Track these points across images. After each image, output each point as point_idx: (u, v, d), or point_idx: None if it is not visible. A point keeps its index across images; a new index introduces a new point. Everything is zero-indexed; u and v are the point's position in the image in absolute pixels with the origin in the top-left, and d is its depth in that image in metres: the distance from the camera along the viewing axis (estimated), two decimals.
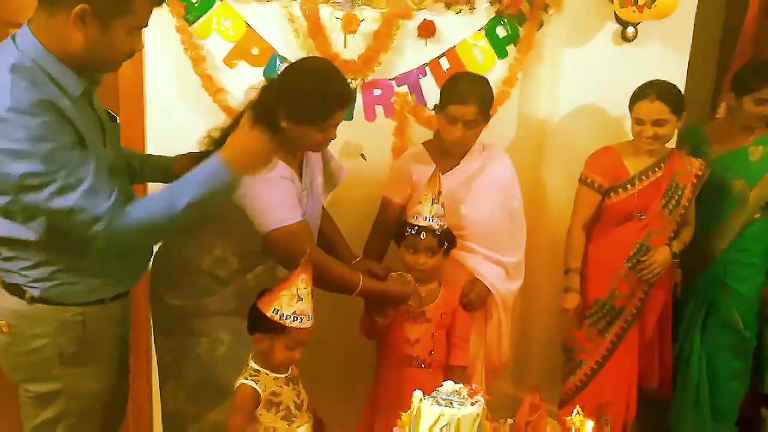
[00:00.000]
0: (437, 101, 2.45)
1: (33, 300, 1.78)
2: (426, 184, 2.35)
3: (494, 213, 2.50)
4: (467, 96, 2.37)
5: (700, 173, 2.70)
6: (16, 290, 1.79)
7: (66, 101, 1.64)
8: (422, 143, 2.60)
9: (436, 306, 2.40)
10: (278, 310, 1.80)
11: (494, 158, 2.55)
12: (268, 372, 1.87)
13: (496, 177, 2.53)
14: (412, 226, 2.32)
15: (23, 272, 1.77)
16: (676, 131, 2.67)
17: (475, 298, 2.48)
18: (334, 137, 2.15)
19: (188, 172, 1.75)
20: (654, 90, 2.56)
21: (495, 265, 2.51)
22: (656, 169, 2.67)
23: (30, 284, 1.78)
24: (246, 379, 1.86)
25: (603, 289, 2.70)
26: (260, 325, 1.83)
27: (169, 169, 2.20)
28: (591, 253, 2.73)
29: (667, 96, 2.55)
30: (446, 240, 2.36)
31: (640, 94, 2.59)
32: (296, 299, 1.80)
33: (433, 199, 2.30)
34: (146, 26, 1.74)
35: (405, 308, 2.35)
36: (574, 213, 2.75)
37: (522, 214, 2.60)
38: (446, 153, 2.51)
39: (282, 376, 1.90)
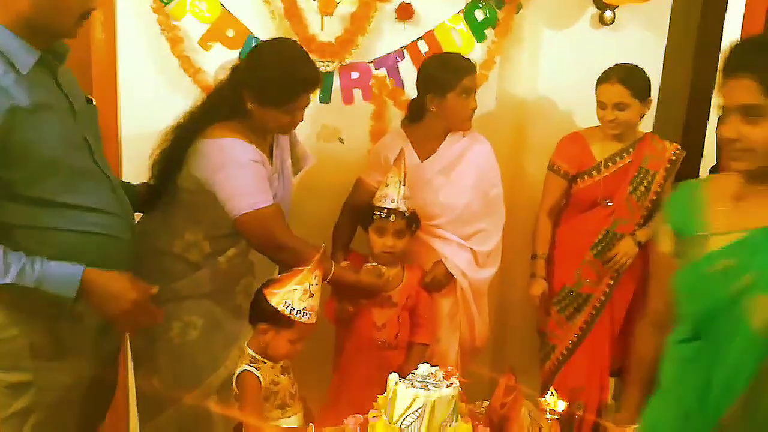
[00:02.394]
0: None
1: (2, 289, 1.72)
2: (392, 166, 2.35)
3: (472, 201, 2.51)
4: (471, 66, 2.46)
5: (673, 158, 2.67)
6: None
7: (11, 76, 1.59)
8: (402, 126, 2.59)
9: (402, 289, 2.42)
10: (289, 304, 1.80)
11: (475, 145, 2.55)
12: (266, 360, 1.87)
13: (476, 164, 2.53)
14: (381, 209, 2.31)
15: None
16: (644, 115, 2.64)
17: (432, 281, 2.50)
18: (301, 120, 2.14)
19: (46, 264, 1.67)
20: (615, 73, 2.54)
21: (467, 252, 2.52)
22: (624, 155, 2.65)
23: None
24: (248, 365, 1.85)
25: (570, 275, 2.71)
26: (267, 315, 1.83)
27: (137, 196, 2.14)
28: (558, 239, 2.74)
29: (628, 79, 2.52)
30: (414, 221, 2.37)
31: (602, 78, 2.58)
32: (308, 295, 1.82)
33: (400, 182, 2.30)
34: None
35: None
36: (541, 199, 2.76)
37: (501, 202, 2.61)
38: (426, 137, 2.51)
39: (278, 365, 1.91)
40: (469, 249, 2.53)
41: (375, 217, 2.33)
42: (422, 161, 2.51)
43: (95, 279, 1.71)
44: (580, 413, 2.70)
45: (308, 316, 1.83)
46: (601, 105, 2.58)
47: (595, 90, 2.60)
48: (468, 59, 2.53)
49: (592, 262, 2.68)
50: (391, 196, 2.31)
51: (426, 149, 2.51)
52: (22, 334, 1.76)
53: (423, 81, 2.48)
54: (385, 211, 2.31)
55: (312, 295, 1.83)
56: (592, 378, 2.78)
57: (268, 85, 2.02)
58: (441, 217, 2.48)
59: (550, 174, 2.72)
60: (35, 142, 1.64)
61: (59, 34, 1.71)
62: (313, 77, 2.10)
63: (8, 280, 1.62)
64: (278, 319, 1.82)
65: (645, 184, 2.66)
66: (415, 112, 2.53)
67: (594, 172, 2.65)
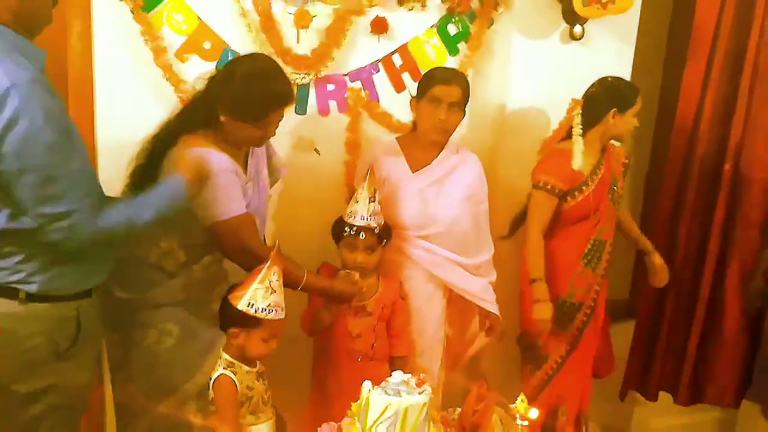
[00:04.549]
0: (414, 93, 2.50)
1: (28, 298, 1.78)
2: (363, 181, 2.36)
3: (460, 215, 2.52)
4: (452, 78, 2.44)
5: (626, 161, 2.83)
6: (5, 292, 1.78)
7: (35, 69, 1.69)
8: (396, 138, 2.60)
9: (377, 299, 2.43)
10: (253, 303, 1.83)
11: (467, 161, 2.58)
12: (242, 365, 1.90)
13: (466, 180, 2.55)
14: (351, 226, 2.32)
15: (18, 266, 1.77)
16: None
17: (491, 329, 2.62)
18: (273, 134, 2.16)
19: (149, 192, 1.89)
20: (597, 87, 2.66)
21: (455, 265, 2.54)
22: (600, 166, 2.72)
23: (25, 280, 1.78)
24: (224, 369, 1.87)
25: (563, 286, 2.75)
26: (235, 319, 1.85)
27: None
28: (549, 252, 2.72)
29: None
30: (385, 236, 2.38)
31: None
32: (270, 291, 1.85)
33: (369, 198, 2.31)
34: None
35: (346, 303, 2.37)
36: (531, 219, 2.69)
37: (487, 219, 2.63)
38: (419, 149, 2.53)
39: (254, 370, 1.93)
40: (456, 263, 2.54)
41: (344, 234, 2.34)
42: (414, 173, 2.53)
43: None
44: (564, 419, 2.78)
45: (274, 312, 1.86)
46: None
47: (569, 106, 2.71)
48: (453, 71, 2.54)
49: (583, 271, 2.73)
50: (361, 213, 2.31)
51: (418, 162, 2.53)
52: (47, 341, 1.82)
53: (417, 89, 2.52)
54: (355, 228, 2.32)
55: (274, 292, 1.86)
56: (577, 386, 2.84)
57: (240, 101, 2.05)
58: (429, 227, 2.49)
59: (539, 192, 2.66)
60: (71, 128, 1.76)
61: (42, 19, 1.79)
62: (285, 94, 2.12)
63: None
64: (246, 321, 1.85)
65: (616, 190, 2.75)
66: (413, 122, 2.58)
67: (584, 187, 2.68)
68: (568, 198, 2.68)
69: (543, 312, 2.65)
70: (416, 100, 2.49)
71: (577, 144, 2.64)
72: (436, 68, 2.58)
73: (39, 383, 1.83)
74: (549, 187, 2.65)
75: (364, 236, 2.31)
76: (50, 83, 1.72)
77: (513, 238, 2.87)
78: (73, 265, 1.83)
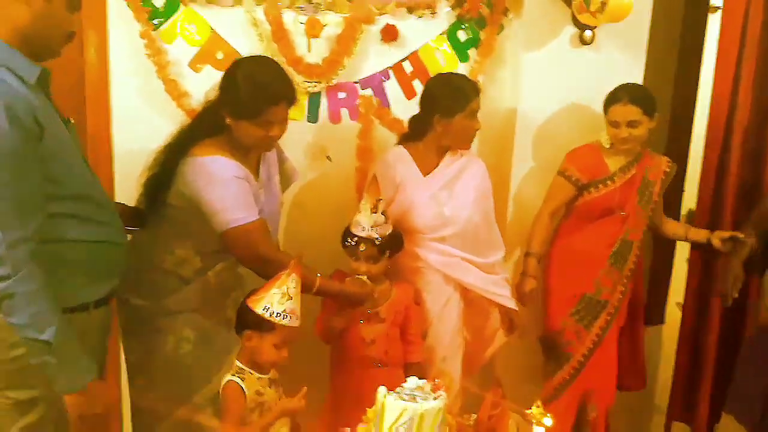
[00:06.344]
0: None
1: None
2: (365, 192, 2.38)
3: (472, 215, 2.55)
4: (478, 89, 2.52)
5: (667, 170, 2.80)
6: None
7: (23, 86, 1.66)
8: (402, 145, 2.61)
9: (389, 305, 2.43)
10: (269, 307, 1.85)
11: (473, 164, 2.60)
12: (252, 371, 1.91)
13: (475, 181, 2.58)
14: (353, 236, 2.34)
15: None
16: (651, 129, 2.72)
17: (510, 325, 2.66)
18: (278, 135, 2.14)
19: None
20: (625, 94, 2.65)
21: (470, 265, 2.56)
22: (631, 167, 2.75)
23: None
24: (233, 376, 1.89)
25: (588, 284, 2.77)
26: (250, 322, 1.87)
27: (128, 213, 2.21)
28: (574, 247, 2.79)
29: (638, 98, 2.64)
30: (388, 248, 2.36)
31: (613, 99, 2.67)
32: (287, 298, 1.87)
33: (371, 209, 2.31)
34: (80, 7, 1.81)
35: (359, 309, 2.38)
36: (545, 200, 2.80)
37: (494, 219, 2.66)
38: (426, 155, 2.55)
39: (265, 377, 1.94)
40: (472, 263, 2.56)
41: (346, 243, 2.36)
42: (425, 176, 2.55)
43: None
44: (594, 414, 2.79)
45: (289, 318, 1.87)
46: (614, 124, 2.67)
47: (605, 111, 2.70)
48: (474, 81, 2.61)
49: (610, 270, 2.75)
50: (362, 224, 2.31)
51: (427, 165, 2.55)
52: None
53: (429, 101, 2.51)
54: (356, 239, 2.32)
55: (291, 298, 1.88)
56: (603, 382, 2.86)
57: (238, 97, 2.06)
58: (444, 229, 2.51)
59: (559, 179, 2.77)
60: (58, 148, 1.73)
61: (49, 50, 1.79)
62: (281, 90, 2.10)
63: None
64: (261, 324, 1.87)
65: (647, 193, 2.76)
66: (417, 130, 2.57)
67: (609, 182, 2.74)
68: (592, 189, 2.74)
69: (526, 284, 2.76)
70: (448, 115, 2.46)
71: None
72: (457, 81, 2.53)
73: (30, 393, 1.82)
74: (568, 174, 2.75)
75: (364, 247, 2.32)
76: (31, 109, 1.65)
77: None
78: (71, 278, 1.81)
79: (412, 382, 1.75)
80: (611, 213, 2.75)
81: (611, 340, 2.85)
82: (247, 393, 1.88)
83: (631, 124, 2.64)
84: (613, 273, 2.76)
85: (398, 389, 1.72)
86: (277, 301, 1.86)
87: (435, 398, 1.70)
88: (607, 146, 2.73)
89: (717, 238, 2.80)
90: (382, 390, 1.72)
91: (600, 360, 2.83)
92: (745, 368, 2.71)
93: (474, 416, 2.01)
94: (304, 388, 1.97)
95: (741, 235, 2.73)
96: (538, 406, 1.93)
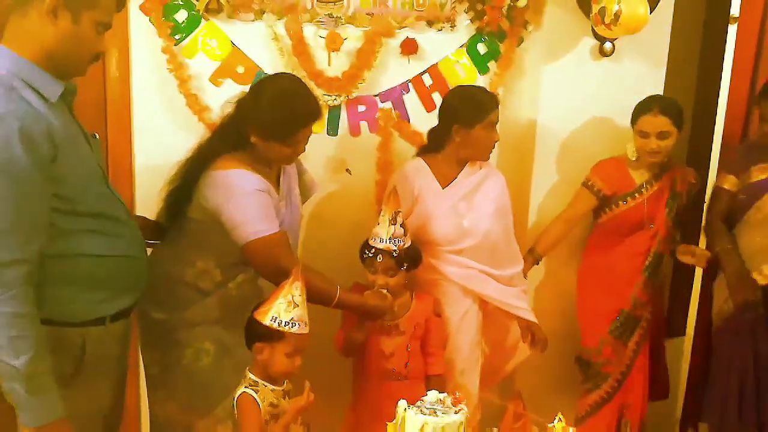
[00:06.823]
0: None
1: None
2: (383, 204, 2.38)
3: (491, 227, 2.54)
4: (497, 101, 2.56)
5: (693, 181, 2.79)
6: None
7: (43, 104, 1.67)
8: (420, 157, 2.60)
9: (409, 318, 2.42)
10: (276, 317, 1.86)
11: (492, 176, 2.61)
12: (266, 383, 1.91)
13: (494, 193, 2.58)
14: (370, 248, 2.33)
15: None
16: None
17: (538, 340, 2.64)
18: (303, 151, 2.19)
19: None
20: (656, 104, 2.64)
21: (489, 278, 2.55)
22: (658, 179, 2.75)
23: None
24: (246, 388, 1.89)
25: (625, 300, 2.76)
26: (259, 334, 1.88)
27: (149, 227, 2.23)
28: (607, 264, 2.78)
29: (668, 109, 2.64)
30: (406, 260, 2.35)
31: (643, 109, 2.66)
32: (293, 306, 1.87)
33: (389, 220, 2.30)
34: (110, 27, 1.78)
35: (379, 322, 2.37)
36: (566, 208, 2.82)
37: (513, 232, 2.65)
38: (445, 166, 2.56)
39: (279, 388, 1.94)
40: (490, 275, 2.55)
41: (364, 255, 2.36)
42: (443, 188, 2.55)
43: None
44: (628, 430, 2.78)
45: (297, 326, 1.87)
46: (643, 135, 2.66)
47: (634, 121, 2.69)
48: (492, 93, 2.63)
49: (646, 283, 2.75)
50: (381, 236, 2.31)
51: (446, 177, 2.55)
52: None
53: (448, 112, 2.52)
54: (373, 250, 2.32)
55: (297, 306, 1.88)
56: (638, 394, 2.85)
57: (269, 120, 2.08)
58: (463, 241, 2.51)
59: (583, 189, 2.79)
60: (74, 167, 1.73)
61: (75, 70, 1.79)
62: (312, 111, 2.15)
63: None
64: (270, 335, 1.87)
65: (675, 205, 2.75)
66: (436, 141, 2.57)
67: (637, 194, 2.74)
68: (620, 203, 2.74)
69: None
70: (467, 127, 2.46)
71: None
72: (476, 93, 2.55)
73: None
74: (590, 184, 2.77)
75: (381, 259, 2.31)
76: (48, 130, 1.65)
77: (565, 260, 2.91)
78: (79, 291, 1.80)
79: (433, 395, 1.74)
80: (641, 227, 2.74)
81: (644, 354, 2.85)
82: (261, 405, 1.88)
83: (661, 135, 2.63)
84: (648, 287, 2.76)
85: (418, 403, 1.72)
86: (284, 309, 1.86)
87: (456, 412, 1.69)
88: (633, 158, 2.72)
89: (680, 253, 2.79)
90: (402, 404, 1.71)
91: (635, 374, 2.83)
92: (715, 375, 2.78)
93: (495, 430, 2.00)
94: (306, 382, 1.96)
95: (698, 249, 2.77)
96: (560, 420, 1.91)
